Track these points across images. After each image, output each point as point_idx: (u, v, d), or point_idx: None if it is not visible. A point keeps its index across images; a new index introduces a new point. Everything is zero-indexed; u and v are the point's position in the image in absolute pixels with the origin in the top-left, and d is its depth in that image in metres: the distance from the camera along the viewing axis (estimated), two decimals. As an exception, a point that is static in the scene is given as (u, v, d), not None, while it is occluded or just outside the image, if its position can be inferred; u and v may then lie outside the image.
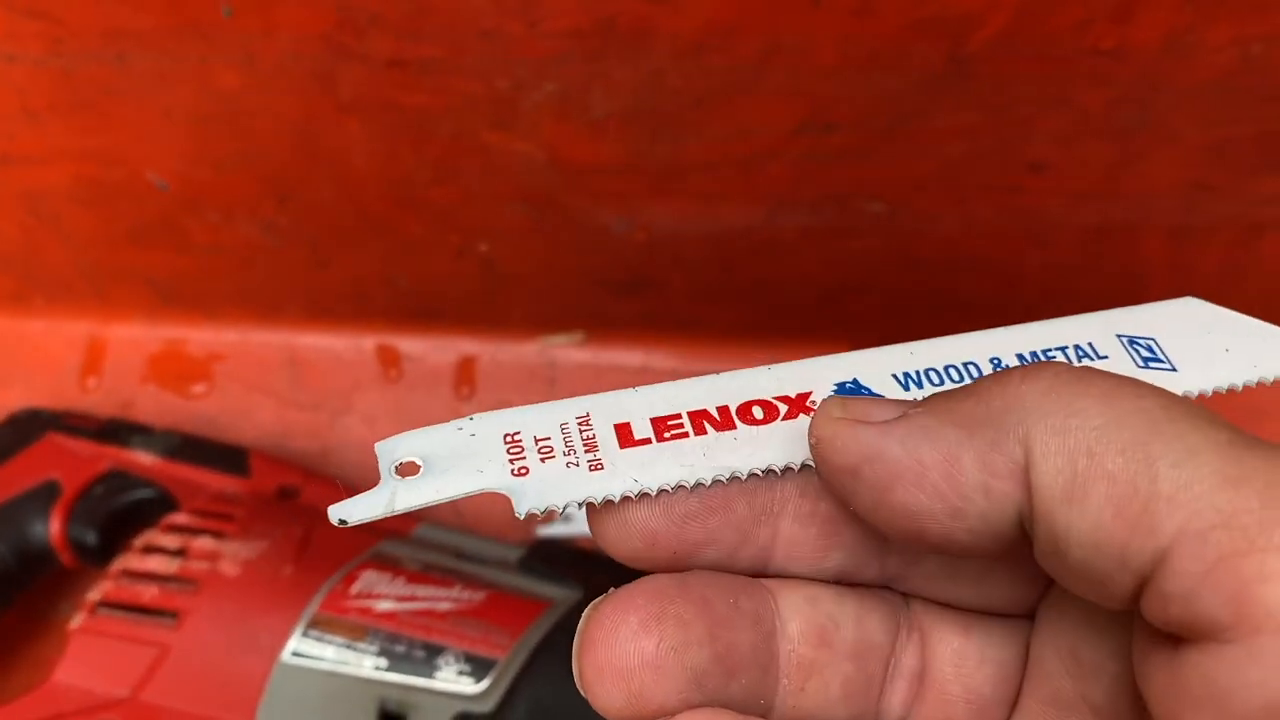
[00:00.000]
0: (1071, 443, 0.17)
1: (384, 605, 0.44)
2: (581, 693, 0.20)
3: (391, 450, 0.22)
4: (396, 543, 0.48)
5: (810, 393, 0.23)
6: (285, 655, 0.43)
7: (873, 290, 0.53)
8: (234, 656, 0.43)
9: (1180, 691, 0.16)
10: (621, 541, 0.21)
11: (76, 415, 0.56)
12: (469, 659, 0.42)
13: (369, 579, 0.44)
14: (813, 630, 0.21)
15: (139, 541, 0.47)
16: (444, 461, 0.22)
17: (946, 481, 0.18)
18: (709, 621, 0.20)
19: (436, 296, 0.57)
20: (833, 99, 0.42)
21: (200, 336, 0.61)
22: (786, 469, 0.22)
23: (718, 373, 0.23)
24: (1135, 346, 0.24)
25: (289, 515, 0.48)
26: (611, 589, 0.21)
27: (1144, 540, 0.16)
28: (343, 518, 0.21)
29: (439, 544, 0.49)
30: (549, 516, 0.17)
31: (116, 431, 0.54)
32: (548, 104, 0.44)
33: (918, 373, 0.24)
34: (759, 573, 0.22)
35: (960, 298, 0.53)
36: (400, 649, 0.42)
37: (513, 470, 0.22)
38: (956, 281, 0.52)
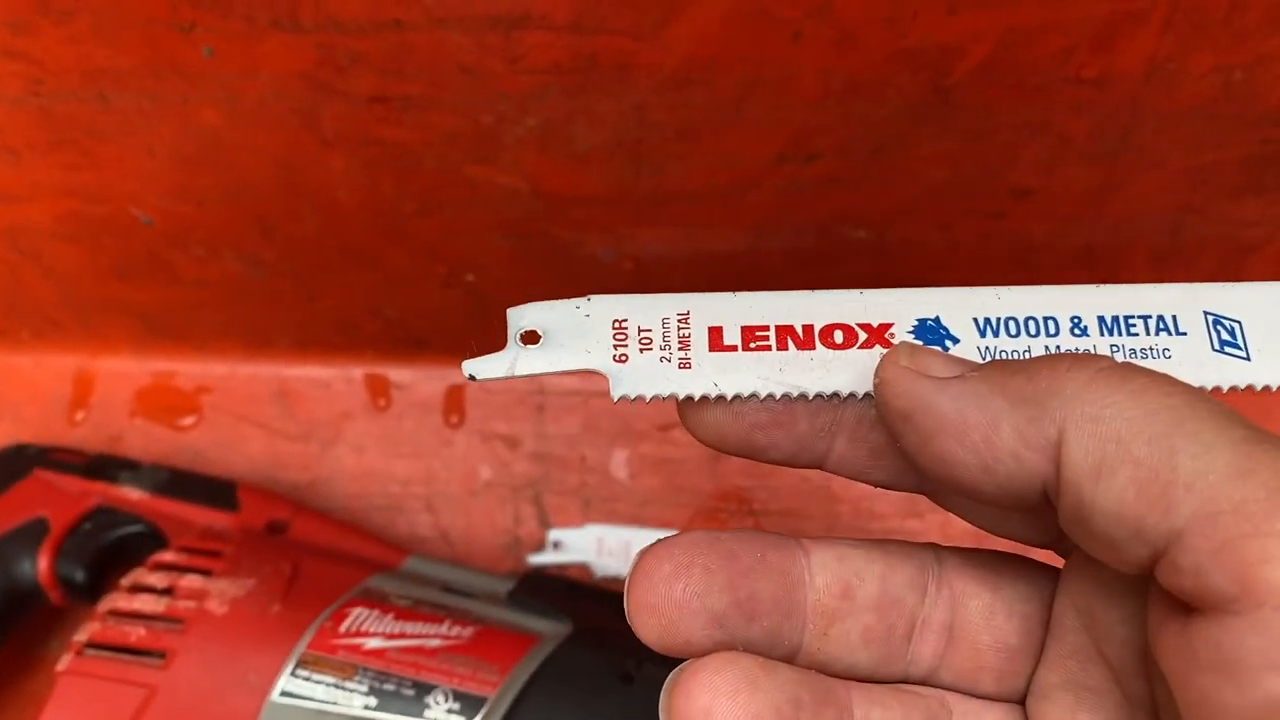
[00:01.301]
0: (1104, 430, 0.19)
1: (373, 643, 0.43)
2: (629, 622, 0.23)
3: (519, 317, 0.25)
4: (385, 578, 0.48)
5: (892, 325, 0.24)
6: (274, 695, 0.42)
7: (860, 315, 0.53)
8: (223, 697, 0.43)
9: (1190, 655, 0.18)
10: (696, 431, 0.25)
11: (64, 450, 0.56)
12: (458, 696, 0.42)
13: (358, 616, 0.44)
14: (837, 583, 0.24)
15: (126, 580, 0.46)
16: (560, 336, 0.25)
17: (984, 443, 0.21)
18: (732, 572, 0.23)
19: (424, 326, 0.57)
20: (815, 129, 0.42)
21: (188, 369, 0.61)
22: (850, 395, 0.24)
23: (813, 290, 0.25)
24: (1218, 327, 0.24)
25: (278, 551, 0.48)
26: (661, 537, 0.24)
27: (1160, 519, 0.18)
28: (472, 373, 0.25)
29: (428, 578, 0.49)
30: (638, 400, 0.24)
31: (104, 467, 0.54)
32: (530, 138, 0.44)
33: (998, 320, 0.24)
34: (809, 463, 0.25)
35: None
36: (390, 687, 0.42)
37: (614, 356, 0.24)
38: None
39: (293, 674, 0.43)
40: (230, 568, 0.46)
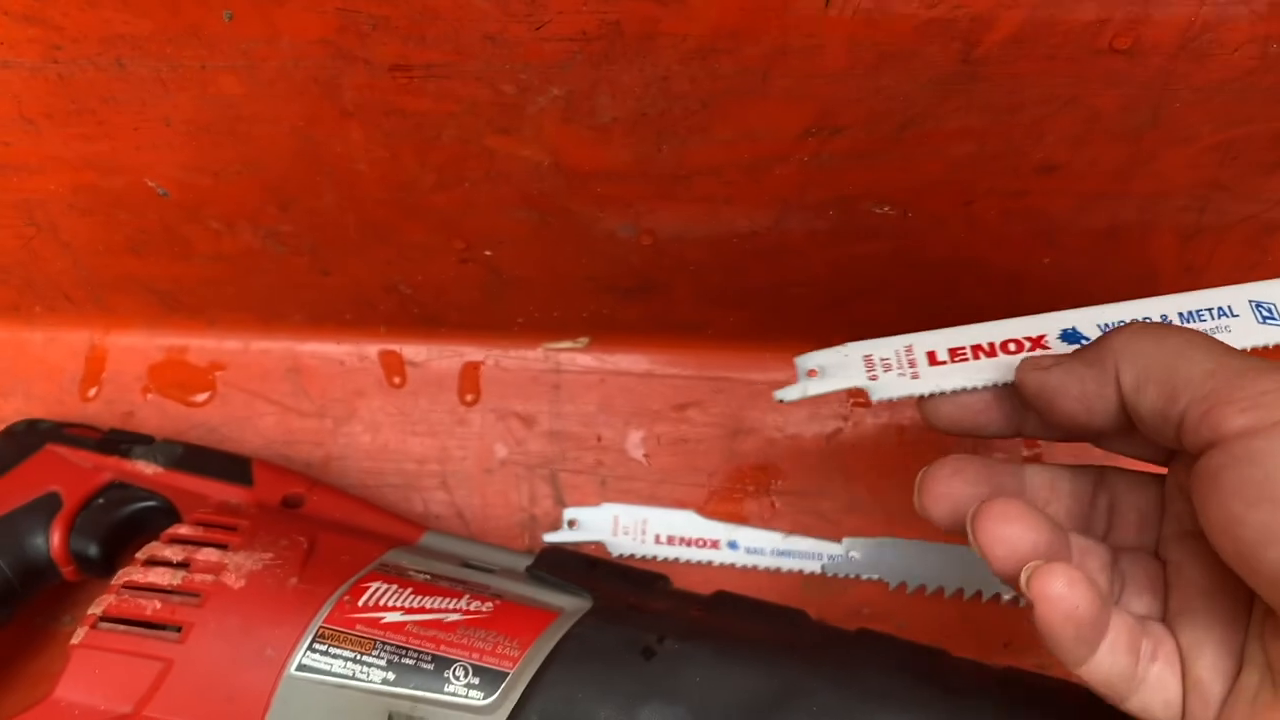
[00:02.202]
0: (1138, 362, 0.32)
1: (391, 617, 0.43)
2: (919, 508, 0.37)
3: (805, 362, 0.39)
4: (403, 552, 0.47)
5: (1044, 335, 0.37)
6: (291, 669, 0.42)
7: (881, 294, 0.53)
8: (239, 670, 0.42)
9: (1196, 479, 0.30)
10: (933, 420, 0.38)
11: (77, 426, 0.56)
12: (478, 671, 0.41)
13: (376, 590, 0.44)
14: (1044, 483, 0.38)
15: (141, 554, 0.46)
16: (831, 370, 0.39)
17: (1079, 396, 0.33)
18: (988, 473, 0.36)
19: (440, 303, 0.56)
20: (841, 102, 0.42)
21: (201, 345, 0.60)
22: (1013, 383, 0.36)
23: (996, 320, 0.38)
24: (1260, 309, 0.36)
25: (294, 526, 0.48)
26: (942, 459, 0.37)
27: (1173, 407, 0.30)
28: (781, 397, 0.39)
29: (446, 553, 0.49)
30: (886, 402, 0.40)
31: (118, 442, 0.54)
32: (553, 108, 0.43)
33: (1109, 323, 0.37)
34: (1010, 434, 0.38)
35: (967, 300, 0.53)
36: (409, 661, 0.42)
37: (868, 377, 0.38)
38: (964, 284, 0.52)
39: (310, 648, 0.42)
40: (246, 541, 0.46)
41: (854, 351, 0.39)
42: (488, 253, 0.52)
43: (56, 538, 0.50)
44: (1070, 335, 0.38)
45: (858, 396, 0.58)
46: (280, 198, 0.49)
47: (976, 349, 0.37)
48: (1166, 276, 0.50)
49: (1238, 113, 0.41)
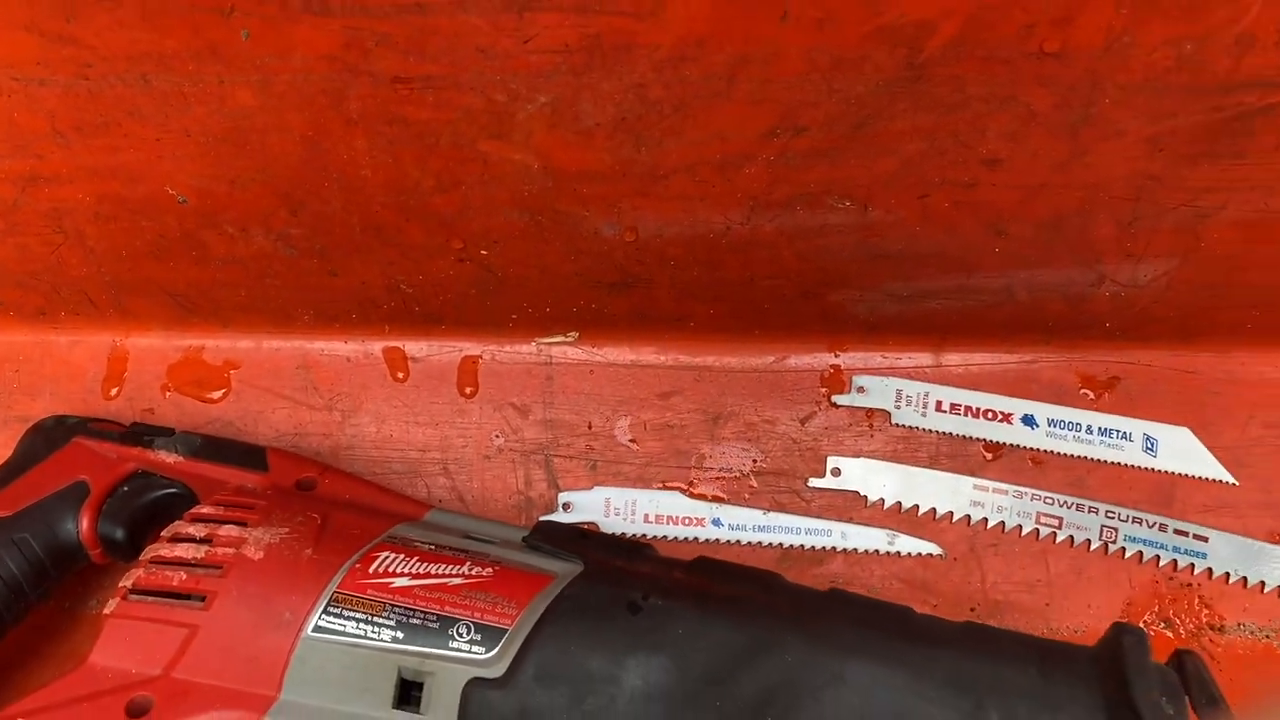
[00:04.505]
0: None
1: (400, 582, 0.47)
2: None
3: (856, 380, 0.57)
4: (409, 526, 0.51)
5: (1011, 414, 0.60)
6: (308, 630, 0.46)
7: (847, 284, 0.57)
8: (260, 633, 0.46)
9: None
10: None
11: (102, 420, 0.59)
12: (479, 629, 0.45)
13: (385, 559, 0.48)
14: None
15: (166, 532, 0.50)
16: (871, 390, 0.62)
17: None
18: None
19: (439, 301, 0.60)
20: (801, 104, 0.46)
21: (216, 345, 0.64)
22: None
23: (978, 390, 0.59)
24: (1147, 440, 0.57)
25: (307, 504, 0.52)
26: None
27: None
28: (835, 401, 0.56)
29: (448, 527, 0.52)
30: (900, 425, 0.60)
31: (140, 434, 0.57)
32: (540, 115, 0.47)
33: (1054, 419, 0.59)
34: None
35: (927, 288, 0.57)
36: (416, 621, 0.46)
37: (894, 404, 0.61)
38: (923, 273, 0.56)
39: (325, 611, 0.46)
40: (264, 518, 0.50)
41: (890, 384, 0.60)
42: (483, 252, 0.56)
43: (85, 522, 0.54)
44: (1028, 419, 0.60)
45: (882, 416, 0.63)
46: (290, 203, 0.53)
47: (968, 409, 0.59)
48: (1110, 262, 0.54)
49: (1161, 108, 0.45)
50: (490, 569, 0.48)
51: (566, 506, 0.61)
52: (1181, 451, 0.61)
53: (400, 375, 0.64)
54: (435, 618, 0.46)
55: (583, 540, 0.52)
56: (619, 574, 0.48)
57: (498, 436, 0.62)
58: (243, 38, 0.44)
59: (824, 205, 0.52)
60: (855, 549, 0.60)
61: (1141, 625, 0.58)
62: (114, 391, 0.64)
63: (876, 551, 0.60)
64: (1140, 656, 0.44)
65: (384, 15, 0.43)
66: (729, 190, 0.51)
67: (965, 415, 0.61)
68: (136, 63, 0.46)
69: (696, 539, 0.60)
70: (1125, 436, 0.61)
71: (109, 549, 0.55)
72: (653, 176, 0.50)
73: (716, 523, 0.61)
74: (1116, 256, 0.54)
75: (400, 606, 0.46)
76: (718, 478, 0.62)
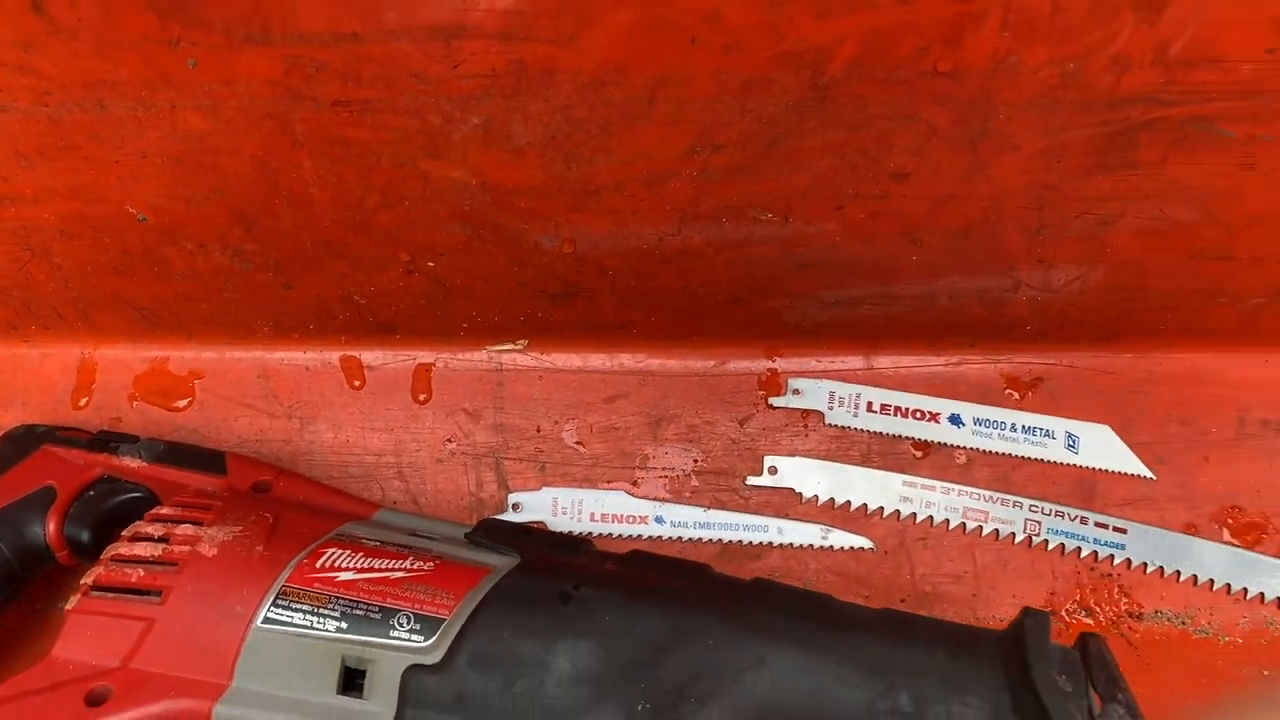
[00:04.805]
0: None
1: (345, 576, 0.50)
2: None
3: (793, 383, 0.63)
4: (357, 525, 0.54)
5: (939, 413, 0.64)
6: (258, 622, 0.49)
7: (777, 291, 0.60)
8: (213, 625, 0.49)
9: None
10: None
11: (70, 429, 0.62)
12: (419, 619, 0.48)
13: (332, 555, 0.50)
14: None
15: (127, 532, 0.53)
16: (807, 392, 0.65)
17: None
18: None
19: (392, 311, 0.63)
20: (716, 124, 0.49)
21: (182, 356, 0.67)
22: None
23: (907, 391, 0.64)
24: (1070, 438, 0.62)
25: (261, 504, 0.55)
26: None
27: None
28: (772, 403, 0.62)
29: (395, 525, 0.55)
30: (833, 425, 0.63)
31: (106, 441, 0.60)
32: (474, 135, 0.50)
33: (980, 417, 0.64)
34: None
35: (854, 295, 0.60)
36: (359, 613, 0.48)
37: (828, 405, 0.65)
38: (848, 281, 0.59)
39: (274, 604, 0.49)
40: (219, 518, 0.53)
41: (824, 386, 0.63)
42: (430, 264, 0.59)
43: (52, 525, 0.57)
44: (954, 419, 0.63)
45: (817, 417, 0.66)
46: (245, 220, 0.56)
47: (897, 409, 0.62)
48: (1023, 268, 0.57)
49: (1052, 123, 0.48)
50: (431, 563, 0.51)
51: (516, 507, 0.64)
52: (1102, 448, 0.64)
53: (357, 383, 0.66)
54: (377, 609, 0.48)
55: (522, 536, 0.55)
56: (553, 567, 0.51)
57: (450, 441, 0.65)
58: (190, 66, 0.47)
59: (747, 218, 0.55)
60: (791, 544, 0.63)
61: (1064, 614, 0.61)
62: (83, 401, 0.67)
63: (811, 546, 0.63)
64: (1040, 638, 0.47)
65: (321, 43, 0.46)
66: (657, 204, 0.54)
67: (895, 415, 0.64)
68: (93, 90, 0.49)
69: (640, 536, 0.63)
70: (1048, 434, 0.64)
71: (75, 550, 0.57)
72: (585, 192, 0.53)
73: (659, 520, 0.63)
74: (1028, 263, 0.57)
75: (345, 599, 0.49)
76: (661, 477, 0.65)
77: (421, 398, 0.66)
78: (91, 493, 0.58)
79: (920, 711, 0.45)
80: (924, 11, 0.43)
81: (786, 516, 0.63)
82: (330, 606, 0.49)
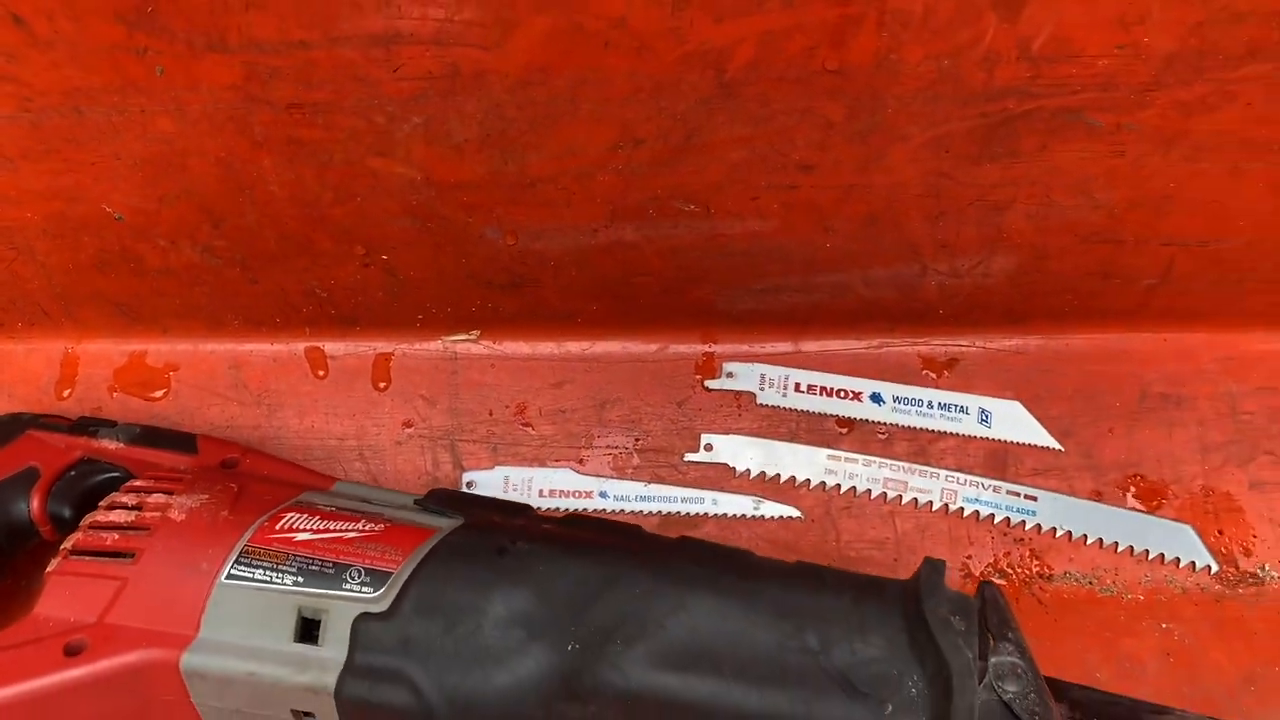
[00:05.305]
0: None
1: (302, 536, 0.54)
2: None
3: (726, 366, 0.70)
4: (316, 494, 0.59)
5: (861, 392, 0.70)
6: (222, 578, 0.53)
7: (706, 280, 0.65)
8: (181, 582, 0.53)
9: None
10: None
11: (53, 416, 0.67)
12: (369, 572, 0.53)
13: (290, 518, 0.55)
14: None
15: (104, 502, 0.57)
16: (740, 375, 0.70)
17: None
18: None
19: (352, 304, 0.68)
20: (635, 120, 0.54)
21: (158, 349, 0.72)
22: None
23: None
24: (982, 413, 0.66)
25: (228, 477, 0.59)
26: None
27: None
28: (708, 385, 0.68)
29: (351, 494, 0.60)
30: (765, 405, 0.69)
31: (86, 425, 0.65)
32: (417, 134, 0.55)
33: (899, 396, 0.69)
34: None
35: (778, 283, 0.65)
36: (314, 568, 0.53)
37: (759, 386, 0.70)
38: (770, 269, 0.64)
39: (237, 562, 0.53)
40: (188, 488, 0.57)
41: (755, 369, 0.68)
42: (384, 257, 0.64)
43: (35, 503, 0.61)
44: (875, 397, 0.68)
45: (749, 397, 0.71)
46: (213, 218, 0.61)
47: (823, 389, 0.67)
48: (927, 252, 0.62)
49: (936, 115, 0.54)
50: (382, 525, 0.55)
51: (470, 485, 0.69)
52: (1013, 422, 0.69)
53: (320, 373, 0.71)
54: (331, 565, 0.53)
55: (469, 502, 0.59)
56: (494, 526, 0.56)
57: (408, 425, 0.70)
58: (158, 73, 0.52)
59: (672, 209, 0.60)
60: (726, 514, 0.68)
61: (979, 577, 0.66)
62: (66, 393, 0.72)
63: (744, 516, 0.68)
64: (935, 581, 0.51)
65: (274, 51, 0.51)
66: (589, 197, 0.59)
67: (821, 395, 0.69)
68: (70, 97, 0.54)
69: (586, 509, 0.68)
70: (963, 410, 0.69)
71: (58, 526, 0.62)
72: (521, 185, 0.58)
73: (604, 495, 0.68)
74: (932, 249, 0.62)
75: (301, 556, 0.53)
76: (605, 455, 0.69)
77: (381, 385, 0.71)
78: (72, 473, 0.63)
79: (826, 650, 0.50)
80: (809, 15, 0.49)
81: (721, 489, 0.68)
82: (288, 563, 0.53)
